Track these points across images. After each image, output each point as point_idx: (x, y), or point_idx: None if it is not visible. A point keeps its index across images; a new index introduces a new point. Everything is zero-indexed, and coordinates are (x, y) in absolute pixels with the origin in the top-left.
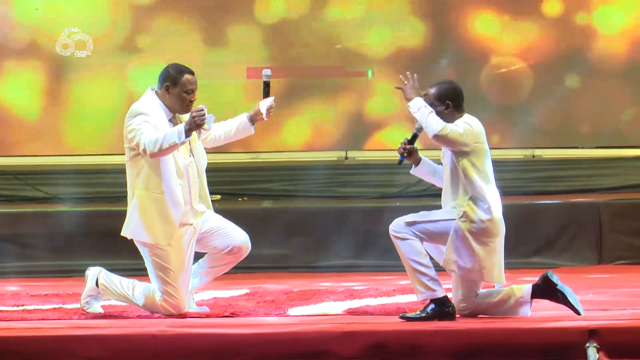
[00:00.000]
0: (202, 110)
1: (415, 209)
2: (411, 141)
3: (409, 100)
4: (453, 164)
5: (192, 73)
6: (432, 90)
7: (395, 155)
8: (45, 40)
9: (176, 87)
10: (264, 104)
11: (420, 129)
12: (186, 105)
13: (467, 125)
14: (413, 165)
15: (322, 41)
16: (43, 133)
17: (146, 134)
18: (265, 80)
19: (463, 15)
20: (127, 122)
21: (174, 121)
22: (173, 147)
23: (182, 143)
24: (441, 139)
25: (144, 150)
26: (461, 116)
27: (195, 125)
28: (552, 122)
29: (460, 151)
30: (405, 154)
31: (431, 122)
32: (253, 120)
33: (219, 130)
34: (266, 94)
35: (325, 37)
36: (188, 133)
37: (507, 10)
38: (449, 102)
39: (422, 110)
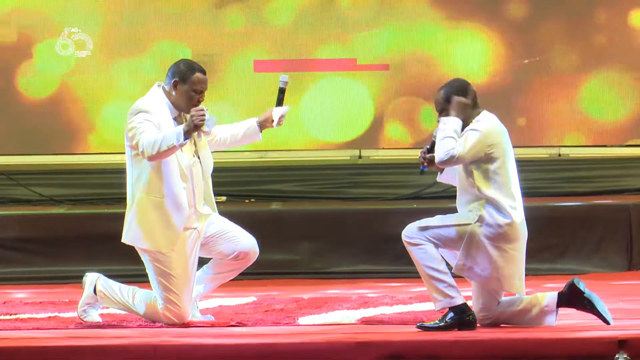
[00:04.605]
0: (202, 110)
1: (434, 211)
2: (431, 149)
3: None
4: (465, 167)
5: (204, 72)
6: (441, 93)
7: (414, 155)
8: (45, 40)
9: (185, 84)
10: (278, 112)
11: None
12: (193, 105)
13: (478, 134)
14: (438, 173)
15: (335, 32)
16: (41, 132)
17: (145, 135)
18: (281, 86)
19: (484, 6)
20: (128, 120)
21: (178, 120)
22: (172, 149)
23: (181, 145)
24: (445, 164)
25: (142, 153)
26: (479, 112)
27: (194, 126)
28: (578, 119)
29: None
30: (426, 163)
31: (443, 144)
32: (262, 126)
33: (225, 133)
34: (280, 102)
35: (338, 28)
36: (187, 135)
37: (530, 1)
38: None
39: (443, 132)
